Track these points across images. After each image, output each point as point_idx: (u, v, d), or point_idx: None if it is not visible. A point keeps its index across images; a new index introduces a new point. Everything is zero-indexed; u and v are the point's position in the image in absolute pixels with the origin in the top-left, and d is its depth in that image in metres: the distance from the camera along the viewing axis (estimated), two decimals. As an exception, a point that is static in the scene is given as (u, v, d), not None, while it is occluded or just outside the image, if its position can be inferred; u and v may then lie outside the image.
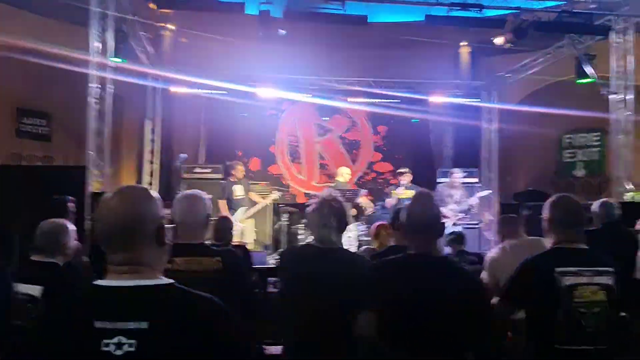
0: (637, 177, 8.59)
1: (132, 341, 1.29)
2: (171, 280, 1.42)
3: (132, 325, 1.30)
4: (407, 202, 2.41)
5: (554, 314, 2.37)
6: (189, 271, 2.53)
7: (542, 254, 2.61)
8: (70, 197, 4.81)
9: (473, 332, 2.16)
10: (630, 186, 8.08)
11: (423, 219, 2.28)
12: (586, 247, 2.53)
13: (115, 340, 1.29)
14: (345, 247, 2.77)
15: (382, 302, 2.14)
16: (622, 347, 2.51)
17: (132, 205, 1.42)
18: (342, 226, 2.60)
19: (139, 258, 1.40)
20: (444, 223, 2.38)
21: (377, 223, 5.44)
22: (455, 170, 8.74)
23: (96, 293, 1.39)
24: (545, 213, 2.57)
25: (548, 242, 2.59)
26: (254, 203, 8.41)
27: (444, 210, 7.95)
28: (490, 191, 8.55)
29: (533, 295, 2.44)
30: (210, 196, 8.42)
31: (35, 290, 2.78)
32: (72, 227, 3.16)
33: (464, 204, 8.33)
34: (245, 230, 8.19)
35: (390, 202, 8.38)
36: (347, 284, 2.46)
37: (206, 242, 3.12)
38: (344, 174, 8.59)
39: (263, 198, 8.55)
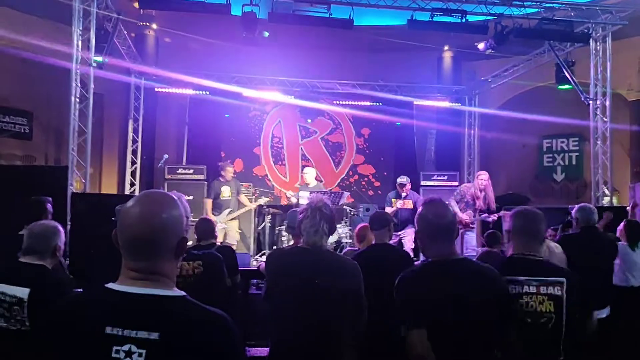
0: (614, 182, 8.76)
1: (142, 351, 1.28)
2: (183, 293, 1.40)
3: (143, 334, 1.29)
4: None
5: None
6: None
7: (494, 263, 2.63)
8: (48, 198, 4.74)
9: (501, 328, 2.20)
10: (607, 191, 8.23)
11: (438, 222, 2.28)
12: (541, 257, 2.53)
13: (125, 347, 1.28)
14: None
15: (421, 313, 2.14)
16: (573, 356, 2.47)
17: (157, 216, 1.39)
18: (332, 231, 2.66)
19: (156, 268, 1.38)
20: (457, 225, 2.40)
21: (361, 225, 5.47)
22: (482, 172, 8.50)
23: (110, 297, 1.36)
24: (507, 224, 2.61)
25: (508, 252, 2.62)
26: (241, 204, 8.43)
27: (463, 215, 7.79)
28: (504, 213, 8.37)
29: None
30: (191, 197, 8.33)
31: (23, 292, 2.73)
32: (62, 229, 3.10)
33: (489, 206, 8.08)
34: (229, 231, 8.18)
35: (391, 211, 8.32)
36: (342, 284, 2.52)
37: (189, 247, 3.12)
38: (310, 174, 8.43)
39: (251, 202, 8.58)
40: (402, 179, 8.28)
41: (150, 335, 1.29)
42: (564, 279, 2.42)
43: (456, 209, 7.72)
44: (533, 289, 2.38)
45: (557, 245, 4.02)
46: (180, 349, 1.29)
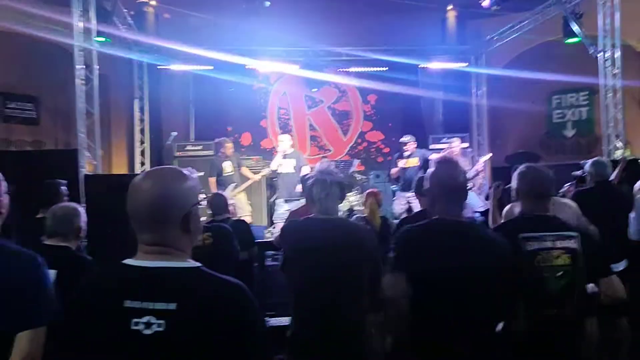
0: (627, 135, 8.65)
1: (161, 321, 1.31)
2: (198, 264, 1.43)
3: (160, 305, 1.32)
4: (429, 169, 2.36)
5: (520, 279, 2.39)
6: None
7: (507, 222, 2.68)
8: (62, 181, 4.78)
9: (504, 296, 2.19)
10: (619, 144, 8.14)
11: (450, 182, 2.26)
12: (552, 214, 2.56)
13: (144, 319, 1.31)
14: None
15: (413, 266, 2.11)
16: (590, 311, 2.47)
17: (161, 188, 1.41)
18: (343, 196, 2.66)
19: (167, 241, 1.41)
20: (468, 187, 2.38)
21: (367, 191, 5.50)
22: (453, 139, 8.63)
23: (126, 272, 1.40)
24: (513, 183, 2.61)
25: (516, 210, 2.66)
26: (245, 178, 8.41)
27: None
28: (491, 154, 8.39)
29: None
30: (202, 173, 8.27)
31: (50, 274, 2.80)
32: (83, 210, 3.18)
33: (469, 172, 8.20)
34: (238, 204, 8.19)
35: (395, 171, 8.37)
36: (358, 251, 2.53)
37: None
38: (285, 142, 8.12)
39: (254, 174, 8.56)
40: (404, 138, 8.37)
41: (168, 306, 1.32)
42: (577, 233, 2.44)
43: None
44: (549, 244, 2.39)
45: (571, 202, 3.99)
46: (199, 318, 1.32)
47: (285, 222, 2.91)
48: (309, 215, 2.68)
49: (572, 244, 2.41)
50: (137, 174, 1.57)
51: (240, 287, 1.40)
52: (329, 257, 2.48)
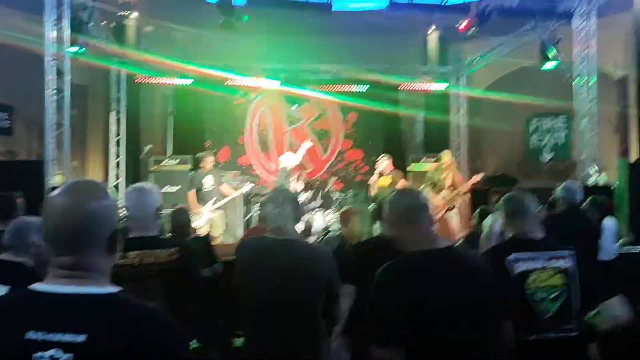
0: (603, 160, 8.71)
1: (68, 355, 1.18)
2: (117, 289, 1.30)
3: (68, 337, 1.19)
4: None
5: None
6: (142, 264, 2.47)
7: (495, 245, 2.61)
8: (18, 193, 4.61)
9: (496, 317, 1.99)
10: (594, 169, 8.19)
11: (413, 204, 2.06)
12: (542, 235, 2.45)
13: (49, 353, 1.18)
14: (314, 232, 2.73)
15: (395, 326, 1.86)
16: (593, 332, 2.36)
17: (84, 205, 1.28)
18: (297, 215, 2.55)
19: (84, 263, 1.28)
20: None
21: (345, 208, 5.41)
22: (445, 151, 8.52)
23: (31, 299, 1.26)
24: (501, 210, 2.59)
25: (508, 235, 2.56)
26: (223, 195, 8.30)
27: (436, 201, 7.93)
28: (483, 173, 8.29)
29: None
30: (179, 187, 8.23)
31: (1, 290, 2.61)
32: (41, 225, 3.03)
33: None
34: (215, 221, 8.09)
35: (370, 190, 8.28)
36: (311, 276, 2.41)
37: (162, 235, 3.06)
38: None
39: (234, 190, 8.46)
40: (377, 158, 8.29)
41: (77, 338, 1.19)
42: (570, 252, 2.36)
43: (429, 196, 7.90)
44: (540, 264, 2.30)
45: None
46: (110, 351, 1.20)
47: (240, 240, 2.81)
48: (263, 235, 2.58)
49: (565, 263, 2.32)
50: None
51: (160, 316, 1.29)
52: (279, 281, 2.38)
